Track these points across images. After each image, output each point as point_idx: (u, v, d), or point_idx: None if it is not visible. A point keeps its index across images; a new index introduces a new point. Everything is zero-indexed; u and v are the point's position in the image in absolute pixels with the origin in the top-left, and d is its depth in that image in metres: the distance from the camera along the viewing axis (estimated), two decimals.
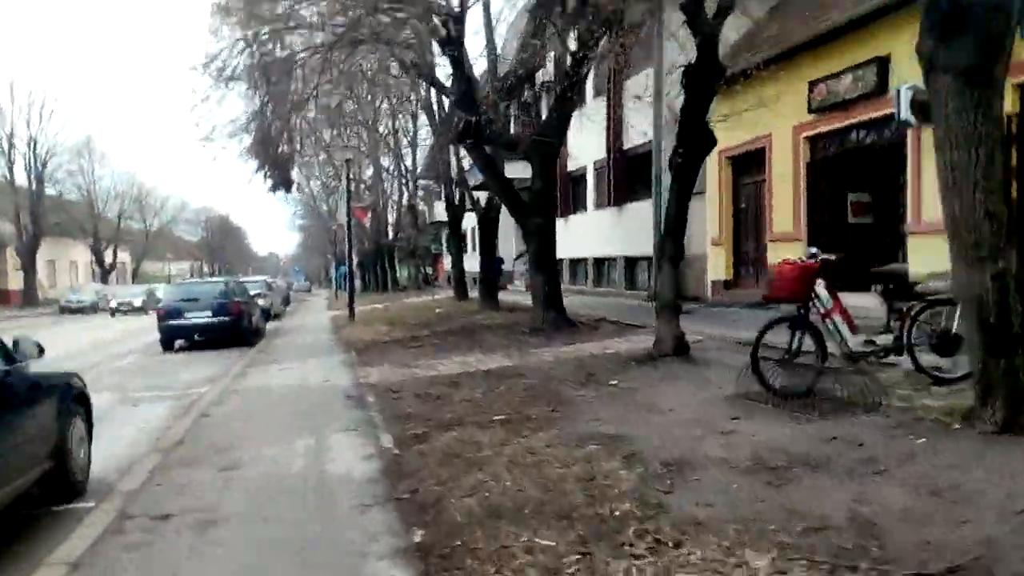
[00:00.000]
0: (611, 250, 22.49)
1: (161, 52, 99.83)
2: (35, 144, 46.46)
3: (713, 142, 8.48)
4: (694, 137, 8.31)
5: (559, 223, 15.86)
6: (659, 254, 8.86)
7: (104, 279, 53.81)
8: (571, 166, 24.14)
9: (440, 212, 45.59)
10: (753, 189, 16.39)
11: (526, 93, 21.40)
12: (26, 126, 46.89)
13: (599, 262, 23.99)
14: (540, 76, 23.79)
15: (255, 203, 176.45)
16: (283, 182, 12.57)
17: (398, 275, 44.80)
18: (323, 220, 55.09)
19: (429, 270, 48.07)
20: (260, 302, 22.15)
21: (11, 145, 45.64)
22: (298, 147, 12.86)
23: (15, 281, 46.51)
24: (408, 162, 35.63)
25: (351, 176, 21.77)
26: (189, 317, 16.69)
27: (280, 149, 12.37)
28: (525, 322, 14.44)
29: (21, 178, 46.61)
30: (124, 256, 64.13)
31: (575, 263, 25.49)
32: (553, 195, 13.72)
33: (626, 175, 21.55)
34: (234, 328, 16.74)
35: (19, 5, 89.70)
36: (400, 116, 32.48)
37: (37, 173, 46.75)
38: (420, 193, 40.36)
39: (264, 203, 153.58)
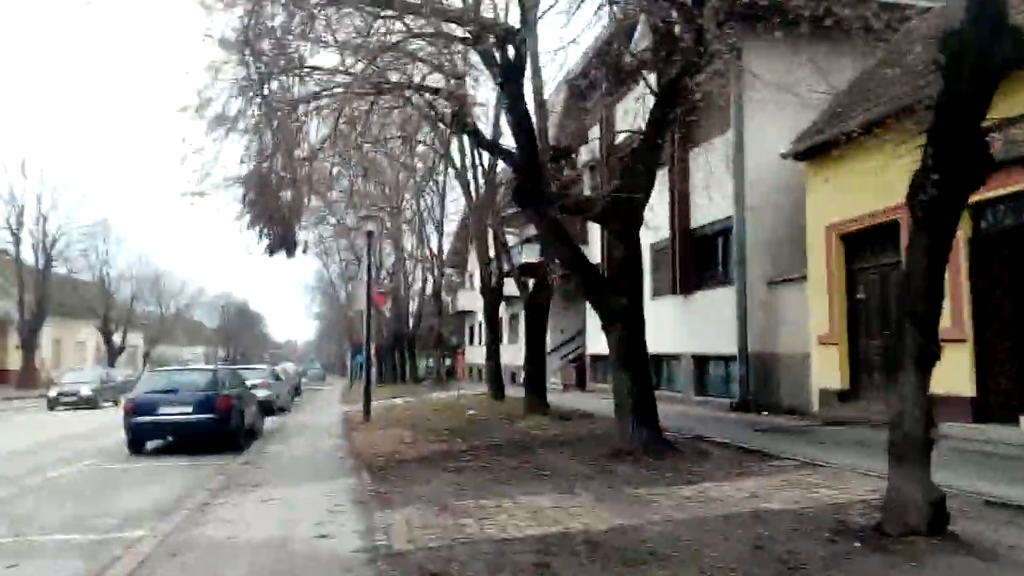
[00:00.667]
0: (675, 347, 18.97)
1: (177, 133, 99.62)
2: (44, 222, 44.80)
3: (990, 165, 5.07)
4: (960, 154, 4.93)
5: None
6: (898, 349, 5.36)
7: (111, 362, 50.79)
8: None
9: (463, 303, 42.71)
10: (876, 275, 12.99)
11: (586, 156, 18.57)
12: (36, 203, 44.88)
13: (658, 360, 20.44)
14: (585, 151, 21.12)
15: (275, 291, 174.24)
16: (283, 242, 9.31)
17: (417, 367, 41.36)
18: (340, 307, 52.45)
19: (448, 362, 44.63)
20: (261, 394, 18.76)
21: (20, 223, 43.96)
22: (305, 200, 9.65)
23: (15, 361, 43.76)
24: (433, 246, 32.72)
25: (372, 259, 18.63)
26: (163, 412, 13.18)
27: (280, 200, 9.21)
28: (593, 436, 11.00)
29: (30, 256, 44.90)
30: (136, 339, 61.52)
31: None
32: (640, 269, 10.42)
33: (694, 259, 18.41)
34: (218, 429, 13.17)
35: (41, 84, 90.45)
36: (425, 196, 29.89)
37: (45, 252, 44.90)
38: (444, 281, 37.36)
39: (284, 291, 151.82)
